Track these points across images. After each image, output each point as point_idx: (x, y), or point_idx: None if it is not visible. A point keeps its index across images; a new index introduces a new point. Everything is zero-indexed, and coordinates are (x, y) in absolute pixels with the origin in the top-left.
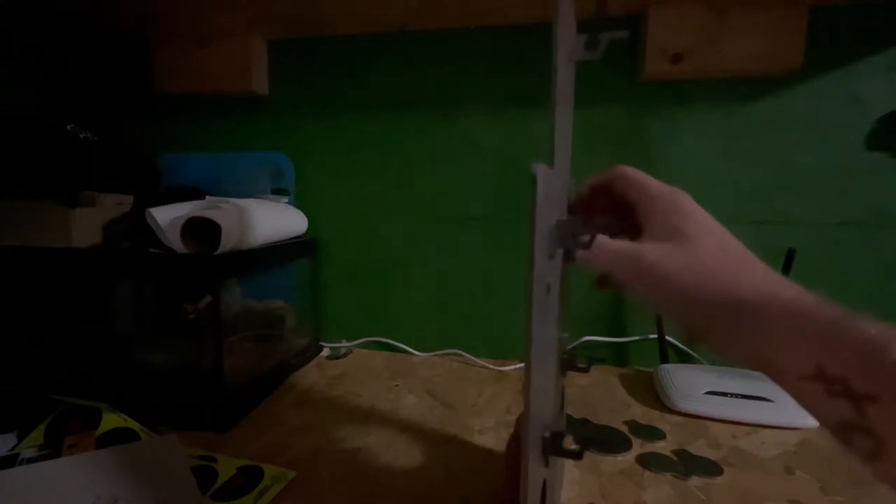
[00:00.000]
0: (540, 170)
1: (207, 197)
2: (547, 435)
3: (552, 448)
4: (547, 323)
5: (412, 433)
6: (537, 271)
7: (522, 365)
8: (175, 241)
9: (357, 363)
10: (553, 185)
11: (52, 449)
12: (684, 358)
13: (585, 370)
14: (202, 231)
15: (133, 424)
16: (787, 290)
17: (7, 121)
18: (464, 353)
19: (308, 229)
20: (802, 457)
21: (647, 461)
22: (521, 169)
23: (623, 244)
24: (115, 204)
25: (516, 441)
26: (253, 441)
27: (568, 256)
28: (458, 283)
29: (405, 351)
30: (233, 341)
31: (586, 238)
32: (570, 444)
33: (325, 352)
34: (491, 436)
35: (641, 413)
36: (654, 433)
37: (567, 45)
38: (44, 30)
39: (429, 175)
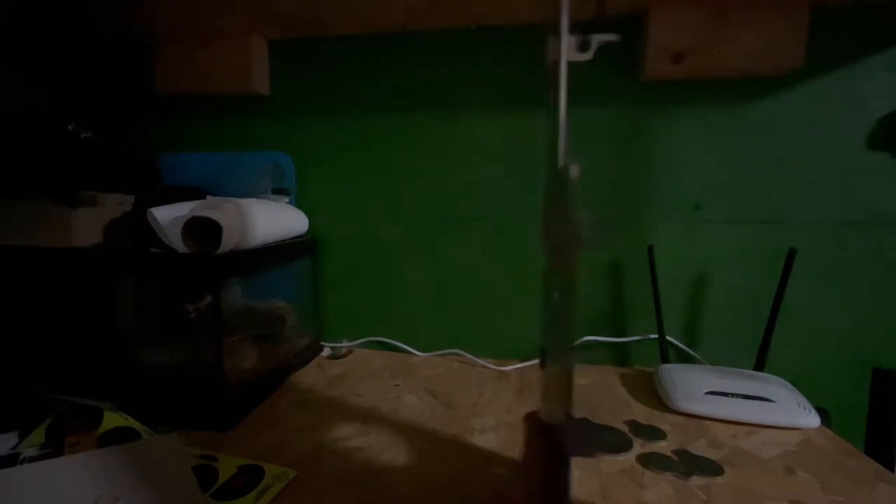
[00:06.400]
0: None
1: (208, 197)
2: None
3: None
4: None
5: (412, 433)
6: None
7: (522, 365)
8: (176, 241)
9: (357, 363)
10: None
11: (53, 448)
12: (684, 358)
13: None
14: (203, 231)
15: (134, 424)
16: None
17: (8, 120)
18: (464, 353)
19: (308, 229)
20: (803, 457)
21: (647, 461)
22: (521, 169)
23: None
24: (116, 203)
25: (535, 440)
26: (254, 440)
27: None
28: (458, 283)
29: (405, 351)
30: (233, 341)
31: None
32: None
33: (326, 351)
34: (491, 436)
35: (642, 413)
36: (654, 433)
37: (560, 46)
38: (45, 30)
39: (429, 175)
